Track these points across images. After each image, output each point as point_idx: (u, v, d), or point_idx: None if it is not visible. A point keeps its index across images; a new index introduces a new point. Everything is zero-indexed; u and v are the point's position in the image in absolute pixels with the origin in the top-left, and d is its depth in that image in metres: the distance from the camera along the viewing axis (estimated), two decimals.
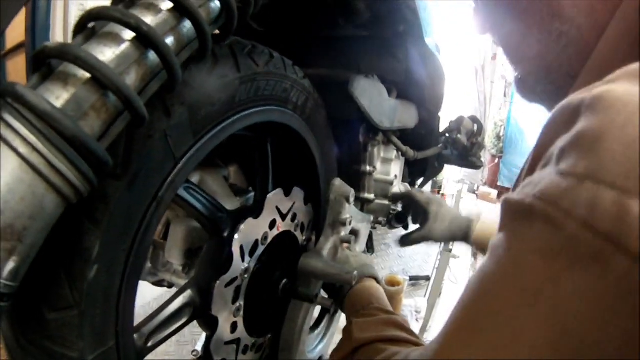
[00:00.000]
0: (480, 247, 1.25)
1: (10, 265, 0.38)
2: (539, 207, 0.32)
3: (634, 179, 0.28)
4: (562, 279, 0.30)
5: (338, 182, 1.16)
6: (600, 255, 0.28)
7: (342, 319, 1.24)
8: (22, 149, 0.37)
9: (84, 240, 0.52)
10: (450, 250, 2.92)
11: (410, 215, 1.45)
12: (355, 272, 0.93)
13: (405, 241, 1.35)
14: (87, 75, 0.40)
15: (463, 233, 1.26)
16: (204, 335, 0.87)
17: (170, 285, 1.13)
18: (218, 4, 0.52)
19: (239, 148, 1.09)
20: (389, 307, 0.89)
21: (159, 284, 1.11)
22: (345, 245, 1.11)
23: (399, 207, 1.56)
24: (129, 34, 0.44)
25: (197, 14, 0.48)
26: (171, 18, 0.47)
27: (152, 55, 0.45)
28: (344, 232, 1.11)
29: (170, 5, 0.47)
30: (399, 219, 1.53)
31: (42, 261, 0.47)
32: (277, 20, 1.22)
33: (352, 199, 1.15)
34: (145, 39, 0.44)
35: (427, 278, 2.79)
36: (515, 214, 0.35)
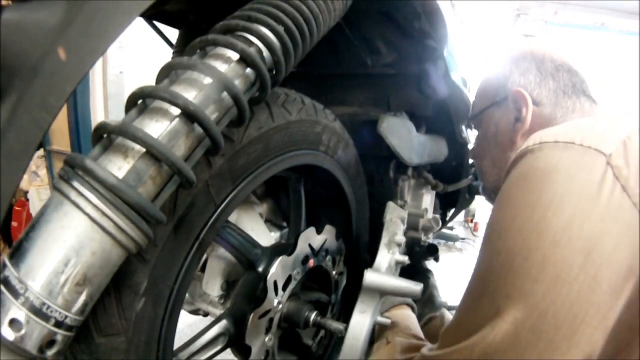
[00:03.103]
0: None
1: (79, 303, 0.45)
2: None
3: None
4: None
5: (392, 204, 1.19)
6: None
7: None
8: (94, 213, 0.44)
9: (134, 277, 0.59)
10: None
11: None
12: (422, 286, 0.93)
13: None
14: (144, 149, 0.48)
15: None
16: None
17: (205, 314, 1.18)
18: (252, 73, 0.59)
19: (273, 184, 1.14)
20: (423, 337, 0.91)
21: (195, 312, 1.17)
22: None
23: (430, 239, 1.57)
24: (176, 110, 0.51)
25: (237, 90, 0.55)
26: (213, 91, 0.54)
27: (198, 128, 0.52)
28: (399, 254, 1.12)
29: (210, 81, 0.54)
30: (431, 251, 1.54)
31: None
32: (307, 59, 1.28)
33: (406, 221, 1.17)
34: (191, 117, 0.51)
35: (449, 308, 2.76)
36: None
